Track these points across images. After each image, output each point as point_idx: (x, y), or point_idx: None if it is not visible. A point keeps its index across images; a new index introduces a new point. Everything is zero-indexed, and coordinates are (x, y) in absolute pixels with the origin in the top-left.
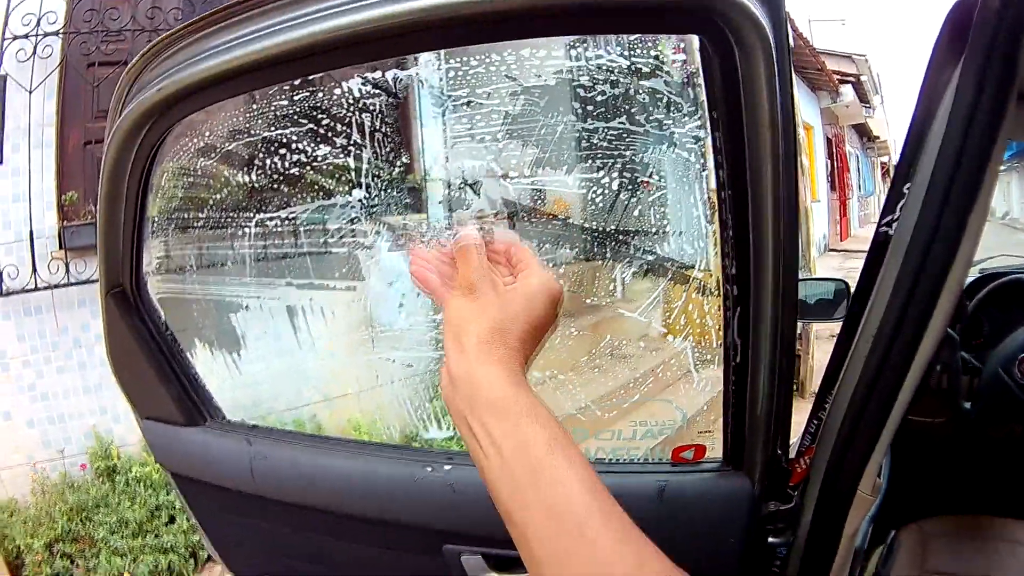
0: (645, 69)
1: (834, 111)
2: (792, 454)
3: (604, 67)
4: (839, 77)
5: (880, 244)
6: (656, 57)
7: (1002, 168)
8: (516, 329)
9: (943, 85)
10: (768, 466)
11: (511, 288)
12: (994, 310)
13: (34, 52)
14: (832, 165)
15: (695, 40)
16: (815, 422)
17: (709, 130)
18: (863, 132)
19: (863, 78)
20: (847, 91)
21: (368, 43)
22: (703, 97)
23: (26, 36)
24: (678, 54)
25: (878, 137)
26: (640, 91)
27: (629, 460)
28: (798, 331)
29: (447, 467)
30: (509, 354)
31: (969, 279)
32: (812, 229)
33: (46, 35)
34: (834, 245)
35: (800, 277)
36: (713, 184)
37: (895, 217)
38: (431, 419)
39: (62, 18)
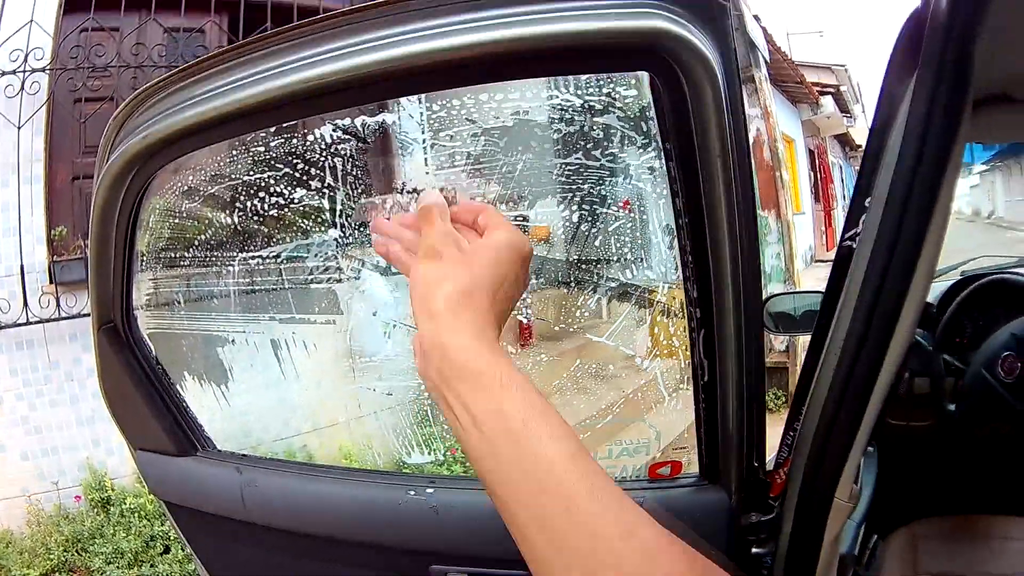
0: (599, 106)
1: (815, 123)
2: (772, 466)
3: (561, 106)
4: (819, 89)
5: (844, 259)
6: (608, 94)
7: (985, 168)
8: (485, 288)
9: (899, 98)
10: (744, 479)
11: (476, 245)
12: (976, 312)
13: (22, 88)
14: (815, 177)
15: (645, 76)
16: (791, 433)
17: (663, 160)
18: (845, 142)
19: (843, 88)
20: (827, 102)
21: (337, 92)
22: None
23: (14, 72)
24: (630, 90)
25: (860, 146)
26: (600, 128)
27: (614, 478)
28: (786, 344)
29: (429, 490)
30: (479, 316)
31: (950, 282)
32: (796, 242)
33: (33, 71)
34: (820, 256)
35: (784, 291)
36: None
37: (858, 231)
38: (412, 445)
39: (49, 54)
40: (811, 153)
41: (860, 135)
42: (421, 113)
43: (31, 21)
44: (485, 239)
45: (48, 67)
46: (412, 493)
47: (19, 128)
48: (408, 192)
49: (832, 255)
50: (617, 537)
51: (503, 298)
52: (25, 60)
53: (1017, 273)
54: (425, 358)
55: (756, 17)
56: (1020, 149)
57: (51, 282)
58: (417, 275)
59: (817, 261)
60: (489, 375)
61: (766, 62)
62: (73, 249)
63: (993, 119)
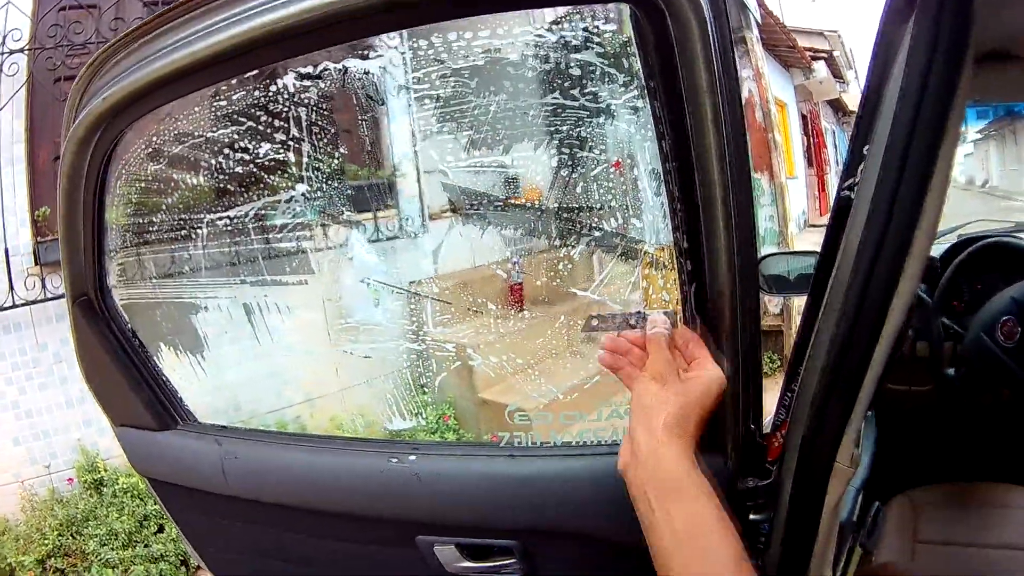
0: (576, 42)
1: (808, 88)
2: (769, 429)
3: (536, 43)
4: (811, 54)
5: (842, 209)
6: (586, 28)
7: (979, 136)
8: (694, 416)
9: (897, 44)
10: (741, 442)
11: (691, 379)
12: (973, 275)
13: (0, 70)
14: (808, 141)
15: (626, 8)
16: (788, 395)
17: (647, 100)
18: (838, 107)
19: (836, 54)
20: (820, 67)
21: (296, 37)
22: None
23: None
24: (609, 24)
25: (853, 111)
26: (578, 65)
27: (597, 442)
28: (780, 307)
29: (412, 458)
30: (687, 439)
31: (947, 244)
32: (789, 205)
33: (11, 52)
34: (814, 221)
35: (776, 252)
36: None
37: (855, 180)
38: (395, 411)
39: (27, 35)
40: (804, 118)
41: (853, 101)
42: (391, 57)
43: (8, 2)
44: (698, 377)
45: (26, 47)
46: (394, 461)
47: None
48: (635, 315)
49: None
50: None
51: (699, 425)
52: (3, 42)
53: (1016, 236)
54: (636, 461)
55: None
56: (1016, 118)
57: (36, 263)
58: (643, 391)
59: (810, 226)
60: (688, 486)
61: (758, 24)
62: (57, 230)
63: (996, 76)
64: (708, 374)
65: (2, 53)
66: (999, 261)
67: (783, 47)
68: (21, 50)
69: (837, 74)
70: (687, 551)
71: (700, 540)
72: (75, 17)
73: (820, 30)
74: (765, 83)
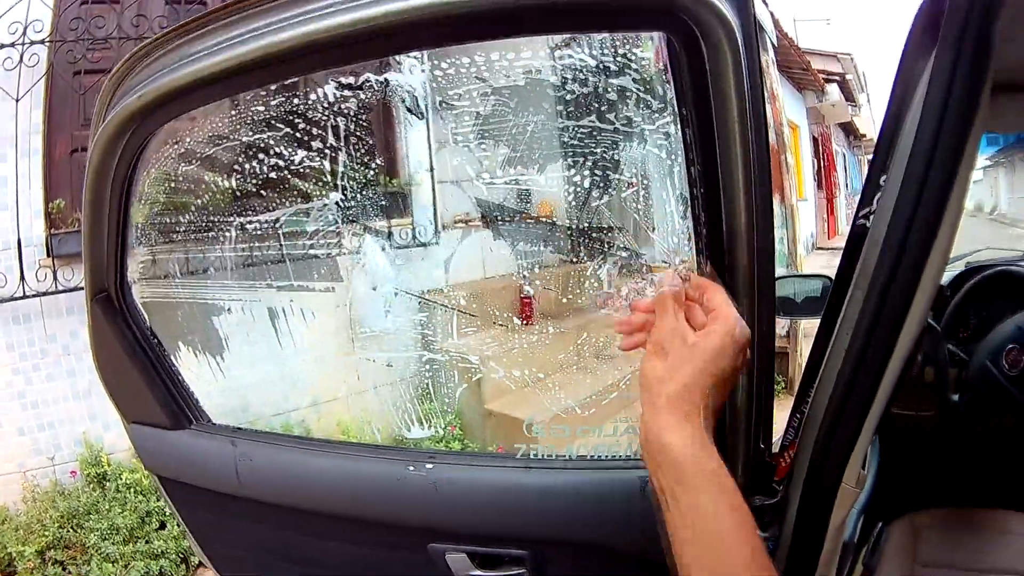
0: (613, 67)
1: (820, 110)
2: (776, 449)
3: (574, 67)
4: (825, 76)
5: (858, 236)
6: (624, 55)
7: (989, 163)
8: (702, 384)
9: (917, 75)
10: (751, 460)
11: (699, 342)
12: (980, 303)
13: (20, 60)
14: (819, 164)
15: (662, 37)
16: (798, 416)
17: (679, 126)
18: (849, 130)
19: (848, 76)
20: (833, 90)
21: (337, 48)
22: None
23: (12, 45)
24: (646, 52)
25: (864, 135)
26: (614, 90)
27: (611, 457)
28: (786, 329)
29: (429, 466)
30: (695, 412)
31: (955, 272)
32: (799, 227)
33: (32, 43)
34: (822, 244)
35: (786, 274)
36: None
37: (872, 209)
38: (413, 419)
39: (48, 26)
40: (815, 140)
41: (864, 124)
42: (429, 71)
43: None
44: (709, 337)
45: (47, 39)
46: (412, 469)
47: (17, 101)
48: (644, 279)
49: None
50: None
51: (720, 390)
52: (24, 32)
53: (1022, 265)
54: (646, 443)
55: (764, 1)
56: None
57: (48, 255)
58: (645, 367)
59: (818, 248)
60: (694, 472)
61: (774, 46)
62: (71, 222)
63: (1011, 107)
64: (720, 328)
65: (23, 44)
66: (1006, 289)
67: (797, 69)
68: (42, 41)
69: (849, 97)
70: (699, 542)
71: (712, 531)
72: (97, 11)
73: (834, 52)
74: (779, 105)
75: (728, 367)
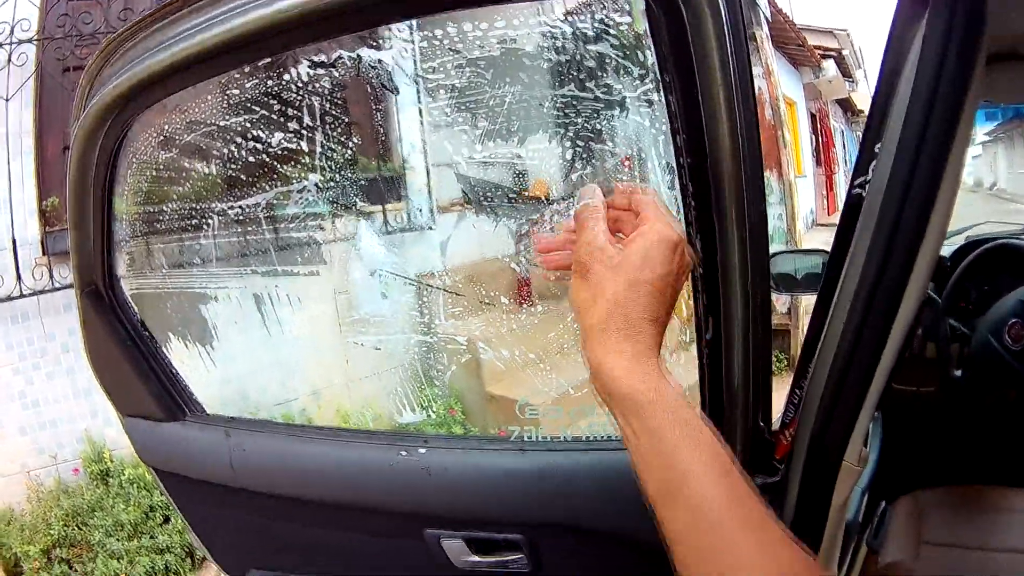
0: (591, 33)
1: (817, 86)
2: (777, 426)
3: (551, 34)
4: (821, 52)
5: (853, 207)
6: (602, 20)
7: (988, 138)
8: (636, 297)
9: (910, 39)
10: (749, 439)
11: (622, 252)
12: (981, 277)
13: (9, 60)
14: (817, 140)
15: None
16: (797, 393)
17: (662, 93)
18: (847, 107)
19: (845, 52)
20: (829, 66)
21: (309, 25)
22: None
23: (0, 45)
24: (624, 16)
25: (862, 111)
26: (593, 57)
27: (605, 437)
28: (787, 306)
29: (422, 451)
30: (631, 330)
31: (955, 246)
32: (798, 204)
33: (20, 42)
34: (822, 220)
35: (785, 250)
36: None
37: (867, 178)
38: (404, 403)
39: (36, 25)
40: (813, 117)
41: (862, 100)
42: (405, 46)
43: None
44: (631, 240)
45: (35, 38)
46: (404, 454)
47: (7, 100)
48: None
49: (833, 220)
50: (763, 560)
51: (658, 298)
52: (11, 32)
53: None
54: (592, 375)
55: None
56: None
57: (44, 254)
58: (572, 293)
59: (818, 224)
60: (641, 396)
61: (768, 21)
62: (66, 219)
63: (1006, 76)
64: (643, 233)
65: (11, 43)
66: (1007, 263)
67: (793, 45)
68: (30, 40)
69: (846, 73)
70: (657, 474)
71: (664, 455)
72: (84, 7)
73: (830, 28)
74: (775, 81)
75: (659, 274)
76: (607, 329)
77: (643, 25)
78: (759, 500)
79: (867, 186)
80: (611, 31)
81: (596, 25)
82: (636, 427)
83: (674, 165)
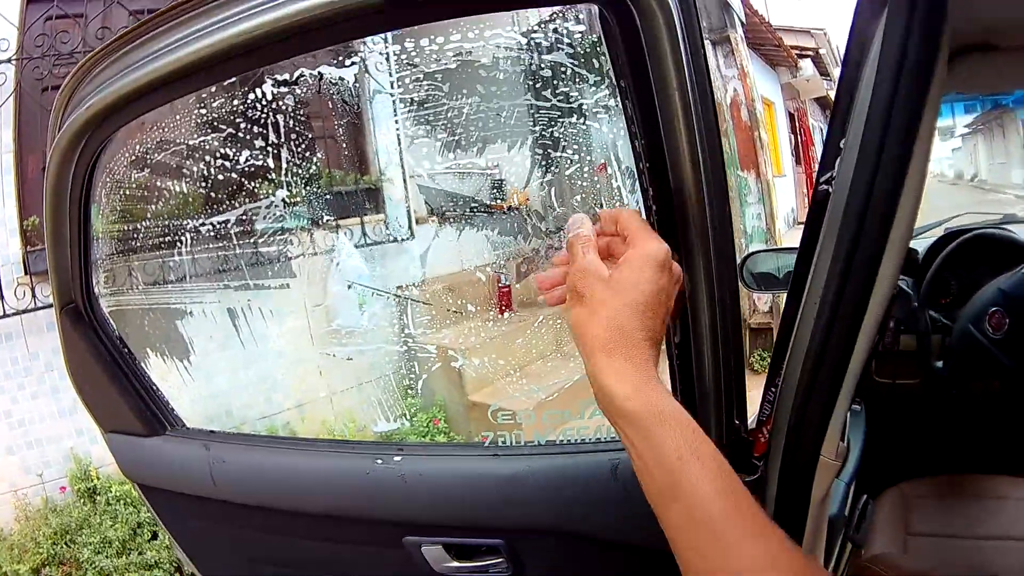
0: (546, 43)
1: (795, 86)
2: (755, 424)
3: (507, 46)
4: (798, 52)
5: (820, 203)
6: (556, 30)
7: (967, 130)
8: (632, 316)
9: (871, 34)
10: (726, 438)
11: (614, 275)
12: (960, 268)
13: None
14: (796, 139)
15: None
16: (772, 390)
17: (619, 99)
18: (826, 105)
19: (822, 51)
20: (807, 65)
21: (276, 43)
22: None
23: None
24: (578, 25)
25: None
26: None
27: (580, 440)
28: (769, 304)
29: (397, 458)
30: (632, 350)
31: (933, 238)
32: (777, 203)
33: None
34: (802, 219)
35: (764, 249)
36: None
37: (833, 174)
38: (379, 412)
39: (14, 44)
40: (791, 116)
41: None
42: (364, 61)
43: None
44: (623, 262)
45: (13, 57)
46: (380, 462)
47: None
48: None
49: None
50: (761, 564)
51: (652, 316)
52: None
53: (1002, 228)
54: (596, 396)
55: None
56: (1002, 111)
57: (26, 273)
58: (570, 320)
59: (799, 223)
60: (645, 416)
61: (742, 23)
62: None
63: (978, 68)
64: (634, 253)
65: None
66: (986, 253)
67: (769, 46)
68: (9, 60)
69: (824, 72)
70: (660, 483)
71: (670, 472)
72: (62, 27)
73: (806, 28)
74: (751, 82)
75: (652, 290)
76: (608, 352)
77: (597, 32)
78: (760, 509)
79: (833, 182)
80: (565, 40)
81: (555, 36)
82: (641, 447)
83: (634, 169)
